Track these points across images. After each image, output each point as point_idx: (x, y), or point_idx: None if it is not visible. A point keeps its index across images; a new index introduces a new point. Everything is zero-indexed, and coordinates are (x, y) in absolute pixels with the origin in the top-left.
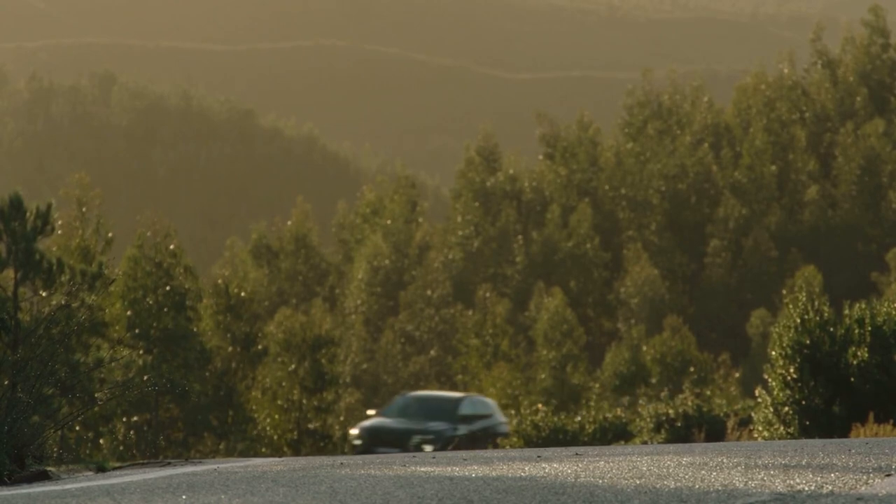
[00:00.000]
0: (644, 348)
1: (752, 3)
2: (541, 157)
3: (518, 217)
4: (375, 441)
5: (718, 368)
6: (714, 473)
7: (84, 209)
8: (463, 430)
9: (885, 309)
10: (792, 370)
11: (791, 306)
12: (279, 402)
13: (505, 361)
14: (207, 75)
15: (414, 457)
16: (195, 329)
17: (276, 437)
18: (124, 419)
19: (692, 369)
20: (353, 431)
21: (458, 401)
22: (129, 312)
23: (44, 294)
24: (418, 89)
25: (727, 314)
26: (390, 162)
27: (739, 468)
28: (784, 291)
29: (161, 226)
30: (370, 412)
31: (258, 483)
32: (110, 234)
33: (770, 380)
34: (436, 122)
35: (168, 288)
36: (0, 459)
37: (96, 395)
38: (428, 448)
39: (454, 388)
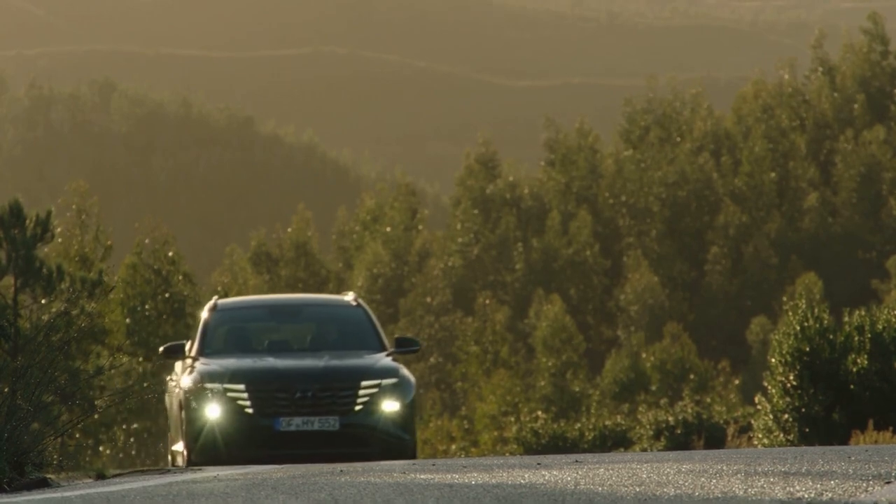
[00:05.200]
0: (644, 355)
1: (752, 10)
2: (542, 163)
3: (518, 224)
4: None
5: (718, 376)
6: (714, 481)
7: (83, 216)
8: None
9: (884, 316)
10: (792, 377)
11: (791, 313)
12: None
13: (504, 368)
14: (207, 83)
15: (413, 464)
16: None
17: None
18: (124, 426)
19: (692, 376)
20: None
21: None
22: (128, 320)
23: (43, 301)
24: (418, 96)
25: (727, 321)
26: (390, 169)
27: (739, 475)
28: (784, 298)
29: (160, 233)
30: None
31: (258, 490)
32: (109, 242)
33: (770, 387)
34: (435, 129)
35: (167, 295)
36: (0, 467)
37: (96, 403)
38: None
39: (454, 395)
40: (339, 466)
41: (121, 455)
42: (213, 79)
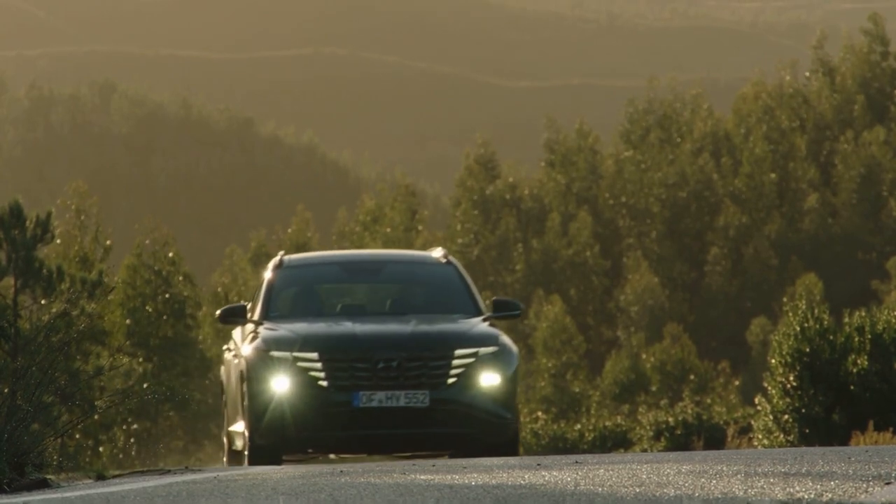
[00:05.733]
0: (644, 356)
1: (752, 11)
2: (542, 164)
3: (518, 225)
4: None
5: (718, 376)
6: (714, 481)
7: (82, 217)
8: None
9: (884, 317)
10: (792, 378)
11: (791, 314)
12: None
13: None
14: (207, 84)
15: (414, 465)
16: (195, 337)
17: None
18: (124, 427)
19: (692, 377)
20: None
21: None
22: (128, 320)
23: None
24: (418, 97)
25: (727, 322)
26: (390, 170)
27: (739, 476)
28: (784, 299)
29: (160, 233)
30: None
31: (258, 491)
32: (109, 242)
33: (770, 388)
34: (436, 130)
35: (167, 296)
36: (0, 467)
37: (96, 403)
38: None
39: None
40: (339, 467)
41: (121, 456)
42: (213, 80)
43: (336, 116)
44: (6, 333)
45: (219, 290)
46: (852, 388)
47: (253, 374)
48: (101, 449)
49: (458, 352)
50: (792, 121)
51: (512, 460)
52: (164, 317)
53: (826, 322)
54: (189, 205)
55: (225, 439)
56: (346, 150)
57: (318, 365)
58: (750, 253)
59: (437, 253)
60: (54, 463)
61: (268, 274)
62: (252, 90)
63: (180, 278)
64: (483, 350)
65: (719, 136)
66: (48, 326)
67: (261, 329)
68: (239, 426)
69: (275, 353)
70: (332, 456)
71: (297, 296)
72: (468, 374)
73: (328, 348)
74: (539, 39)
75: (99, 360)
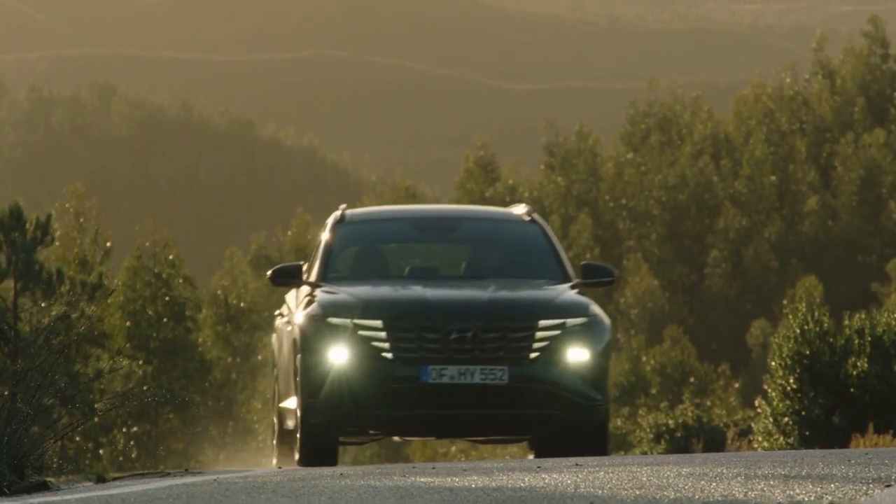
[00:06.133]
0: (644, 358)
1: (752, 13)
2: (542, 166)
3: None
4: None
5: (718, 379)
6: (714, 484)
7: (82, 220)
8: None
9: (884, 319)
10: (792, 380)
11: (791, 317)
12: None
13: None
14: (207, 86)
15: (414, 467)
16: (195, 340)
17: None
18: (124, 430)
19: (692, 380)
20: None
21: None
22: (128, 323)
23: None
24: (418, 100)
25: (727, 325)
26: (390, 172)
27: (739, 479)
28: (784, 302)
29: (161, 236)
30: None
31: (258, 494)
32: (108, 244)
33: (770, 390)
34: (436, 132)
35: (167, 298)
36: (0, 470)
37: (96, 406)
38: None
39: None
40: (339, 470)
41: (121, 458)
42: (213, 82)
43: (336, 119)
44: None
45: (219, 292)
46: (852, 390)
47: (307, 344)
48: (101, 451)
49: (543, 322)
50: (792, 123)
51: (512, 462)
52: (164, 319)
53: (826, 324)
54: (189, 207)
55: (275, 418)
56: (346, 153)
57: (383, 334)
58: (750, 255)
59: (520, 209)
60: (54, 465)
61: (326, 231)
62: (252, 92)
63: (180, 281)
64: (571, 321)
65: (719, 139)
66: (48, 329)
67: (318, 292)
68: (291, 402)
69: (333, 320)
70: (395, 438)
71: (360, 256)
72: (553, 348)
73: (394, 315)
74: (539, 42)
75: (99, 363)
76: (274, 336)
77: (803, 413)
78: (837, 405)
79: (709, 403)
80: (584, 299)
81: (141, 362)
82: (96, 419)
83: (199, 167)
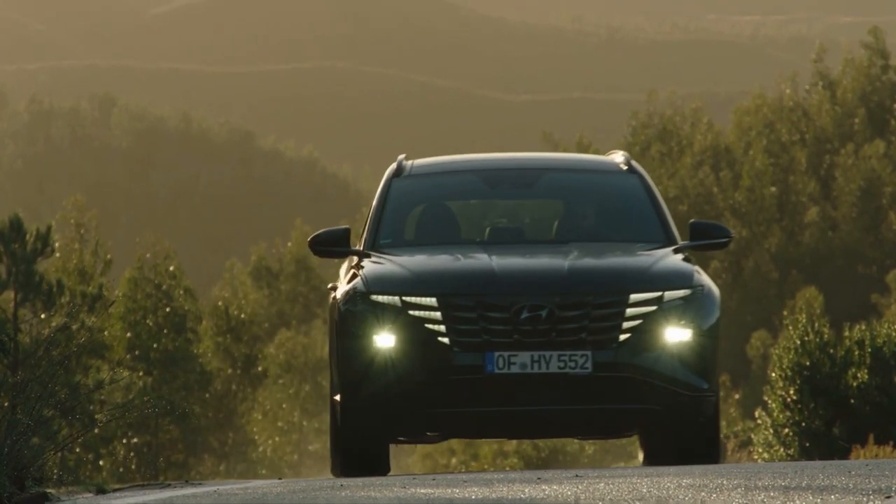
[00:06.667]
0: None
1: (752, 25)
2: None
3: None
4: None
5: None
6: (714, 495)
7: (82, 231)
8: None
9: (885, 330)
10: (792, 392)
11: (791, 328)
12: (280, 423)
13: None
14: (207, 97)
15: (414, 478)
16: (195, 351)
17: (276, 459)
18: (124, 441)
19: None
20: None
21: None
22: (128, 334)
23: (44, 316)
24: (419, 111)
25: (727, 336)
26: None
27: (739, 490)
28: (784, 313)
29: (161, 247)
30: None
31: None
32: (109, 256)
33: (770, 401)
34: (436, 143)
35: (168, 309)
36: (0, 481)
37: (96, 417)
38: None
39: None
40: (339, 481)
41: (121, 469)
42: (213, 93)
43: (336, 130)
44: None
45: (219, 303)
46: (852, 401)
47: (346, 327)
48: (101, 463)
49: (635, 297)
50: (792, 134)
51: (512, 474)
52: (165, 330)
53: (826, 335)
54: (189, 218)
55: (329, 417)
56: (346, 164)
57: (438, 314)
58: (750, 266)
59: (618, 158)
60: (54, 477)
61: (381, 185)
62: (252, 103)
63: (181, 292)
64: (671, 294)
65: (719, 150)
66: (48, 340)
67: (365, 262)
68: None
69: (378, 297)
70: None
71: (420, 217)
72: (648, 327)
73: (452, 290)
74: (539, 53)
75: (99, 374)
76: (328, 313)
77: (803, 424)
78: (837, 416)
79: None
80: (687, 266)
81: (141, 373)
82: (97, 430)
83: (200, 178)
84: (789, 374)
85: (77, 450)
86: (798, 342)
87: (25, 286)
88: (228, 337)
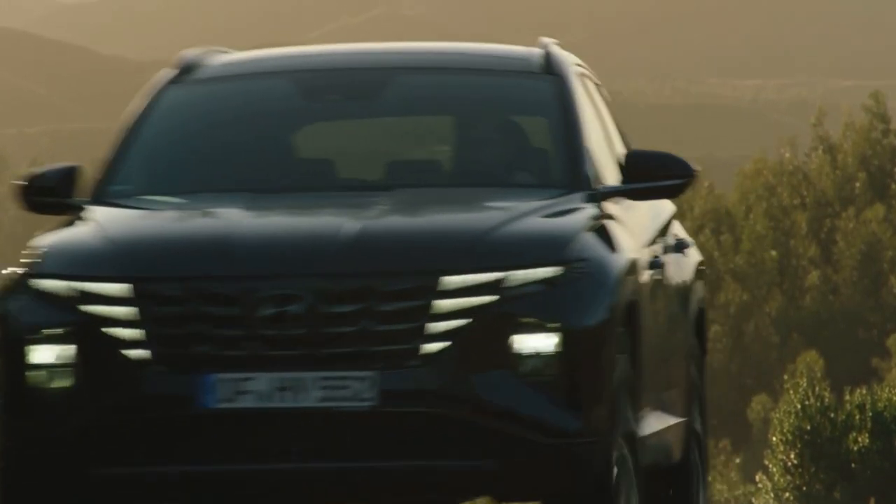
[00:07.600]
0: None
1: (753, 89)
2: None
3: None
4: None
5: (719, 454)
6: None
7: None
8: None
9: (885, 395)
10: (793, 456)
11: (792, 392)
12: None
13: None
14: None
15: None
16: None
17: None
18: None
19: None
20: None
21: None
22: None
23: None
24: None
25: (728, 400)
26: None
27: None
28: (785, 377)
29: None
30: None
31: None
32: None
33: (771, 465)
34: None
35: None
36: None
37: None
38: None
39: None
40: None
41: None
42: None
43: None
44: None
45: None
46: (853, 465)
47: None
48: None
49: (451, 280)
50: (793, 198)
51: None
52: None
53: (827, 399)
54: None
55: None
56: None
57: (130, 311)
58: (751, 330)
59: (536, 51)
60: None
61: (142, 98)
62: None
63: None
64: (521, 275)
65: (720, 213)
66: None
67: (66, 223)
68: None
69: (42, 283)
70: None
71: (183, 148)
72: (477, 332)
73: (152, 271)
74: None
75: None
76: None
77: (804, 488)
78: (838, 480)
79: (710, 478)
80: (563, 226)
81: None
82: None
83: None
84: (790, 437)
85: None
86: (799, 406)
87: None
88: None
